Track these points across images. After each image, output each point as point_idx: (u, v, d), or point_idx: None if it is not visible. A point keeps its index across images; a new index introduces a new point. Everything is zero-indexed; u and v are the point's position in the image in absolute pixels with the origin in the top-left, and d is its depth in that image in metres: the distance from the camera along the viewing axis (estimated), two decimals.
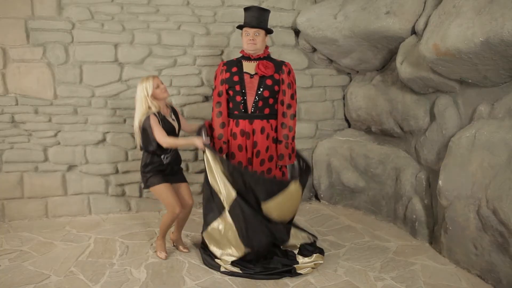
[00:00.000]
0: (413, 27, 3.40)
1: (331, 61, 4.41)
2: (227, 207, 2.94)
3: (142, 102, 2.97)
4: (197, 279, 2.88)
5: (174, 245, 3.36)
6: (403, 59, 3.41)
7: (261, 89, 3.09)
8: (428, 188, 3.52)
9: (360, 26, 3.68)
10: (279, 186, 2.91)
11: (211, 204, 3.01)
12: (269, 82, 3.09)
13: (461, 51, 2.72)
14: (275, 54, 4.02)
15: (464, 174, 2.92)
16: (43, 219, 3.99)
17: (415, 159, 3.73)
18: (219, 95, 3.19)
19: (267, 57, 3.17)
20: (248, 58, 3.16)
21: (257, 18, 3.07)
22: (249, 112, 3.12)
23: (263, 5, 4.05)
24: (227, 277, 2.90)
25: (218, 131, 3.19)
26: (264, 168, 3.19)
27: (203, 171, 3.21)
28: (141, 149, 3.08)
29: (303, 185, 3.04)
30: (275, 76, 3.11)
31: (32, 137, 3.89)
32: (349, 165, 4.25)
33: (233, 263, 2.97)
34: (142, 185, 3.16)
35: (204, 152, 3.00)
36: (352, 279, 2.88)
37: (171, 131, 3.04)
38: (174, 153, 3.14)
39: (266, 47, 3.19)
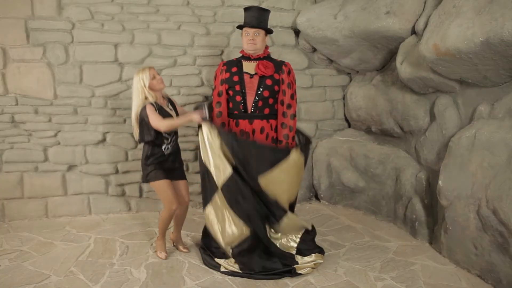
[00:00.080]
0: (413, 27, 3.40)
1: (331, 61, 4.41)
2: (220, 186, 2.91)
3: (138, 93, 2.97)
4: (197, 279, 2.88)
5: (174, 245, 3.36)
6: (403, 59, 3.41)
7: (261, 89, 3.09)
8: (428, 188, 3.51)
9: (360, 26, 3.68)
10: (280, 154, 2.91)
11: (206, 183, 3.00)
12: (269, 82, 3.09)
13: (461, 51, 2.72)
14: (275, 54, 4.02)
15: (464, 174, 2.92)
16: (43, 219, 3.99)
17: (415, 159, 3.73)
18: (219, 95, 3.18)
19: (267, 57, 3.16)
20: (248, 58, 3.16)
21: (257, 18, 3.07)
22: (249, 112, 3.12)
23: (263, 5, 4.05)
24: (227, 277, 2.90)
25: None
26: None
27: None
28: (139, 141, 3.07)
29: (304, 155, 3.01)
30: (275, 76, 3.11)
31: (32, 137, 3.90)
32: (349, 165, 4.25)
33: (234, 254, 2.94)
34: (142, 179, 3.14)
35: (200, 128, 2.96)
36: (352, 279, 2.88)
37: None
38: (174, 143, 3.13)
39: (266, 47, 3.19)
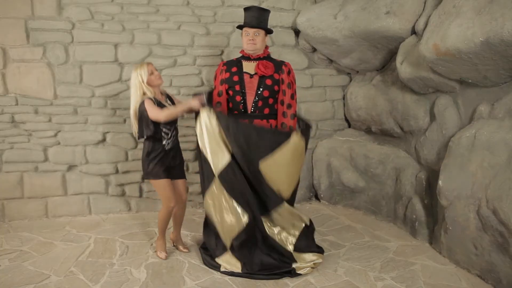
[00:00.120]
0: (413, 27, 3.40)
1: (331, 61, 4.41)
2: (217, 174, 2.90)
3: (136, 88, 2.97)
4: (197, 279, 2.88)
5: (174, 245, 3.36)
6: (403, 59, 3.41)
7: (261, 89, 3.09)
8: (428, 188, 3.51)
9: (360, 26, 3.68)
10: (281, 137, 2.90)
11: (203, 171, 2.99)
12: (268, 82, 3.09)
13: (461, 51, 2.72)
14: (275, 54, 4.02)
15: (464, 174, 2.92)
16: (43, 219, 3.99)
17: (415, 159, 3.73)
18: (219, 95, 3.18)
19: (267, 57, 3.16)
20: (248, 58, 3.16)
21: (257, 18, 3.07)
22: (249, 112, 3.12)
23: (263, 5, 4.05)
24: (227, 277, 2.90)
25: None
26: None
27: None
28: (138, 137, 3.05)
29: (305, 140, 3.00)
30: (275, 76, 3.11)
31: (32, 137, 3.90)
32: (349, 165, 4.25)
33: (234, 247, 2.93)
34: (143, 175, 3.11)
35: (197, 115, 2.94)
36: (352, 279, 2.88)
37: None
38: (175, 138, 3.13)
39: (266, 47, 3.19)
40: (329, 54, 4.26)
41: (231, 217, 2.90)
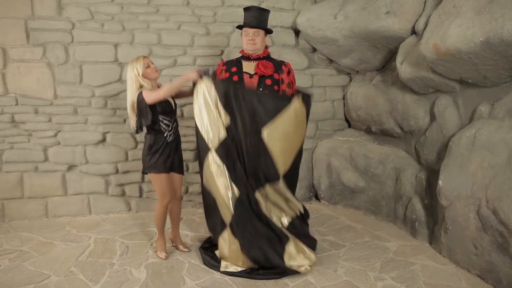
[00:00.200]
0: (413, 27, 3.40)
1: (331, 61, 4.41)
2: (213, 148, 2.89)
3: (132, 82, 2.96)
4: (197, 279, 2.88)
5: (173, 245, 3.36)
6: (403, 59, 3.41)
7: (261, 89, 3.09)
8: (428, 188, 3.51)
9: (360, 26, 3.68)
10: (282, 101, 2.90)
11: (199, 147, 2.99)
12: (268, 82, 3.09)
13: (461, 51, 2.72)
14: (275, 54, 4.01)
15: (464, 174, 2.92)
16: (43, 219, 3.99)
17: (415, 159, 3.73)
18: None
19: (266, 57, 3.16)
20: (247, 58, 3.15)
21: (256, 18, 3.07)
22: None
23: (263, 5, 4.05)
24: (227, 277, 2.90)
25: None
26: None
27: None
28: (136, 131, 3.03)
29: (306, 108, 2.98)
30: (275, 76, 3.11)
31: (32, 137, 3.90)
32: (349, 165, 4.25)
33: (233, 224, 2.90)
34: (143, 169, 3.10)
35: (195, 86, 2.93)
36: (352, 279, 2.88)
37: (168, 108, 3.04)
38: (176, 130, 3.13)
39: (266, 47, 3.19)
40: (329, 54, 4.26)
41: (226, 191, 2.89)
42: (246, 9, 3.13)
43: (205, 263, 3.08)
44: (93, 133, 3.99)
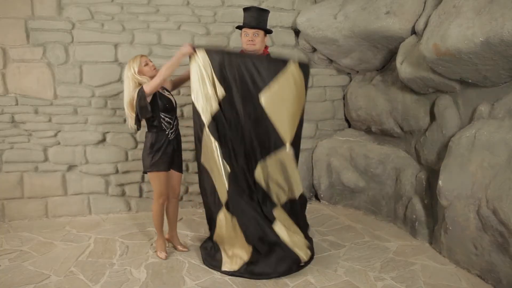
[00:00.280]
0: (413, 27, 3.39)
1: (331, 61, 4.41)
2: (207, 123, 2.89)
3: (129, 80, 2.96)
4: (197, 279, 2.88)
5: (172, 246, 3.35)
6: (403, 59, 3.41)
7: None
8: (428, 188, 3.51)
9: (360, 26, 3.68)
10: (277, 64, 2.86)
11: (195, 122, 2.98)
12: None
13: (461, 51, 2.72)
14: (275, 54, 4.01)
15: (464, 174, 2.92)
16: (43, 219, 3.99)
17: (415, 159, 3.73)
18: None
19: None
20: None
21: (256, 19, 3.07)
22: None
23: (263, 5, 4.05)
24: (227, 277, 2.90)
25: None
26: None
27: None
28: (137, 128, 3.02)
29: (304, 75, 2.93)
30: None
31: (32, 137, 3.90)
32: (349, 165, 4.25)
33: (228, 202, 2.90)
34: (145, 168, 3.08)
35: (190, 62, 2.91)
36: (352, 279, 2.88)
37: (168, 104, 3.05)
38: (177, 127, 3.13)
39: (266, 47, 3.19)
40: (329, 54, 4.26)
41: (222, 166, 2.89)
42: (245, 10, 3.13)
43: (205, 263, 3.08)
44: (93, 133, 4.00)
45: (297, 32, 4.33)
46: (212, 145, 2.90)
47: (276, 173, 2.97)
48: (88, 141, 4.00)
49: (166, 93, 3.11)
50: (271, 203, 3.02)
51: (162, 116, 3.00)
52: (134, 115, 2.96)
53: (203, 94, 2.89)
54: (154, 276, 2.91)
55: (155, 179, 3.07)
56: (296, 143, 3.00)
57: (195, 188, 4.20)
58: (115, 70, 3.97)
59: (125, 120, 4.00)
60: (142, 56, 3.04)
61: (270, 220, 2.96)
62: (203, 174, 3.04)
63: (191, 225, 3.82)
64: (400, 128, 3.81)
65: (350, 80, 4.52)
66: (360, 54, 4.01)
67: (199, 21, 4.11)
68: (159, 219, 3.17)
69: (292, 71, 2.88)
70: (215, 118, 2.89)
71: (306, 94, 3.03)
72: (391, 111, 3.82)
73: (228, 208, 2.95)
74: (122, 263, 3.10)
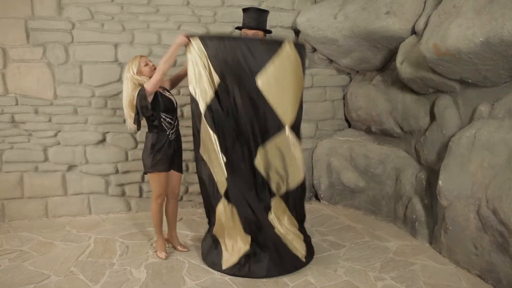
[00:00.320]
0: (413, 27, 3.39)
1: (331, 61, 4.41)
2: (203, 111, 2.86)
3: (128, 81, 2.96)
4: (197, 279, 2.88)
5: (172, 246, 3.35)
6: (403, 59, 3.41)
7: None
8: (428, 188, 3.51)
9: (360, 26, 3.68)
10: (272, 45, 2.82)
11: (193, 109, 2.96)
12: None
13: (461, 51, 2.72)
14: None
15: (464, 174, 2.92)
16: (43, 219, 3.99)
17: (415, 159, 3.73)
18: None
19: None
20: None
21: (255, 19, 3.07)
22: None
23: (263, 5, 4.05)
24: (227, 277, 2.90)
25: None
26: None
27: None
28: (137, 127, 3.01)
29: (300, 56, 2.89)
30: None
31: (32, 137, 3.90)
32: (349, 165, 4.25)
33: (227, 191, 2.89)
34: (145, 168, 3.08)
35: (186, 52, 2.89)
36: (352, 279, 2.88)
37: (169, 104, 3.05)
38: (177, 128, 3.13)
39: None
40: (329, 54, 4.26)
41: (219, 156, 2.87)
42: (245, 10, 3.13)
43: (205, 261, 3.07)
44: (93, 133, 4.00)
45: (297, 32, 4.33)
46: (210, 134, 2.87)
47: (276, 160, 2.94)
48: (88, 141, 4.00)
49: (167, 93, 3.11)
50: (270, 192, 3.00)
51: (163, 117, 3.00)
52: (133, 114, 2.96)
53: (200, 83, 2.86)
54: (154, 276, 2.90)
55: (155, 179, 3.07)
56: (296, 127, 2.96)
57: (195, 188, 4.20)
58: (115, 70, 3.97)
59: (125, 120, 4.01)
60: (141, 56, 3.04)
61: (266, 211, 2.95)
62: (201, 165, 3.02)
63: (191, 225, 3.82)
64: (400, 128, 3.81)
65: (350, 80, 4.52)
66: (360, 54, 4.01)
67: (199, 21, 4.11)
68: (158, 219, 3.17)
69: (287, 52, 2.82)
70: (211, 107, 2.86)
71: (304, 75, 3.00)
72: (391, 111, 3.82)
73: (227, 198, 2.93)
74: (122, 263, 3.10)
